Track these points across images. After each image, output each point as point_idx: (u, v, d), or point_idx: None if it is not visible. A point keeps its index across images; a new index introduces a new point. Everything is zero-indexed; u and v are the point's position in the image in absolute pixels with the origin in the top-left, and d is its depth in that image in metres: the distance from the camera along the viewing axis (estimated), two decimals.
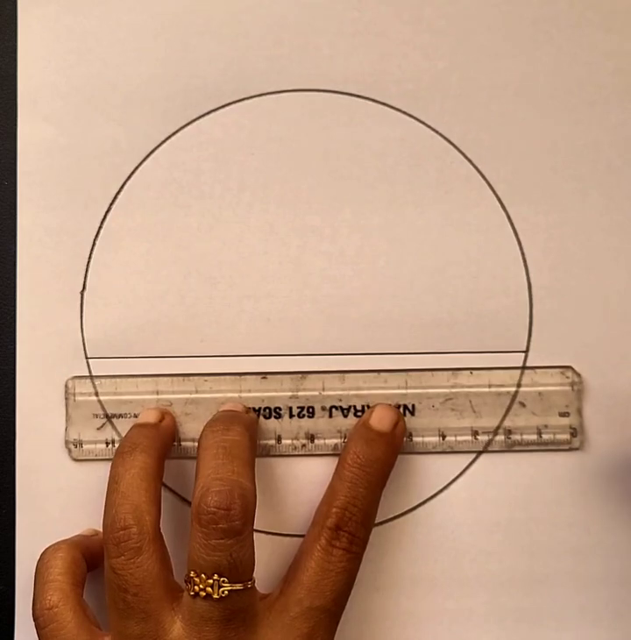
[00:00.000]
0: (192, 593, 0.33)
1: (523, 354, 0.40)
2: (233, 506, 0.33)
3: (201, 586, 0.33)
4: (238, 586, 0.33)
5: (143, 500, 0.35)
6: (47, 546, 0.38)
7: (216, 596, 0.33)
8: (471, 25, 0.41)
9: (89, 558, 0.38)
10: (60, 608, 0.35)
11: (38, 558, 0.38)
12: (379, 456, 0.37)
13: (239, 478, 0.34)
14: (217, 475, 0.34)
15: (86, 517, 0.40)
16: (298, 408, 0.40)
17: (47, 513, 0.40)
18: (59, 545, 0.37)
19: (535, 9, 0.41)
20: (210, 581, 0.33)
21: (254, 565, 0.34)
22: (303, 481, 0.40)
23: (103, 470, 0.40)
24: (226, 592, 0.33)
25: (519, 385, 0.40)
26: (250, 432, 0.37)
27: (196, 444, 0.39)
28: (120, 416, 0.40)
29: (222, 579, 0.33)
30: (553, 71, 0.41)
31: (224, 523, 0.33)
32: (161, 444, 0.38)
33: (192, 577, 0.34)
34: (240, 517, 0.33)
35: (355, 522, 0.36)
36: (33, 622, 0.36)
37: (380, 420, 0.38)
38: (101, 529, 0.38)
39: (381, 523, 0.40)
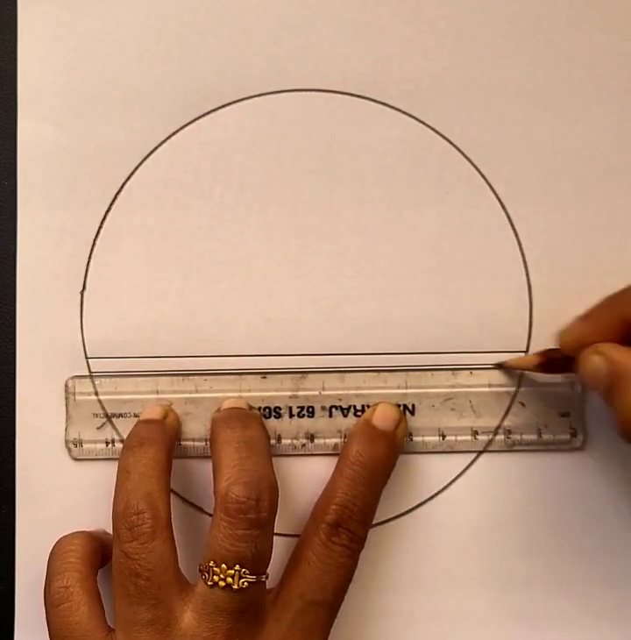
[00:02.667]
0: (210, 583, 0.33)
1: (523, 354, 0.40)
2: (263, 497, 0.33)
3: (221, 576, 0.33)
4: (256, 579, 0.34)
5: (155, 488, 0.35)
6: (64, 535, 0.38)
7: (235, 587, 0.33)
8: (471, 26, 0.41)
9: (102, 554, 0.38)
10: (77, 589, 0.35)
11: (38, 557, 0.39)
12: (380, 455, 0.37)
13: (266, 470, 0.34)
14: (244, 467, 0.34)
15: (86, 517, 0.40)
16: (298, 407, 0.40)
17: (47, 513, 0.40)
18: (76, 534, 0.38)
19: (535, 9, 0.41)
20: (231, 571, 0.33)
21: (270, 559, 0.35)
22: (304, 481, 0.40)
23: (103, 469, 0.40)
24: (246, 583, 0.33)
25: (519, 385, 0.40)
26: (266, 430, 0.38)
27: (196, 443, 0.39)
28: (120, 415, 0.40)
29: (243, 570, 0.33)
30: (553, 71, 0.41)
31: (253, 514, 0.33)
32: (168, 438, 0.38)
33: (211, 566, 0.33)
34: (268, 509, 0.34)
35: (355, 521, 0.36)
36: (44, 600, 0.36)
37: (383, 418, 0.38)
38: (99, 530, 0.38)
39: (381, 523, 0.40)
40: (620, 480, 0.40)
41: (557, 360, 0.37)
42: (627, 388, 0.32)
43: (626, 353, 0.33)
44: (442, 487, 0.40)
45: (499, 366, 0.39)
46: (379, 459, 0.37)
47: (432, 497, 0.40)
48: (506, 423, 0.40)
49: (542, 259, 0.40)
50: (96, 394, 0.40)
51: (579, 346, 0.35)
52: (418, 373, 0.40)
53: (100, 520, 0.39)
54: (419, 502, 0.40)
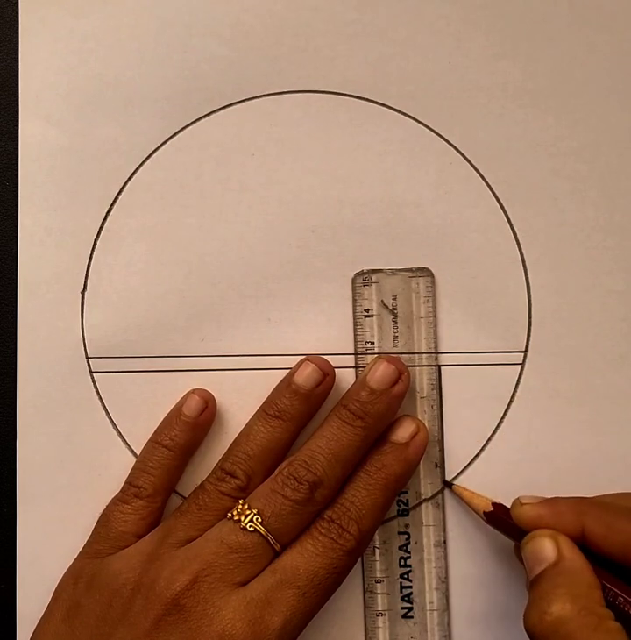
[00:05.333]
0: (229, 515, 0.37)
1: (523, 354, 0.40)
2: (328, 486, 0.36)
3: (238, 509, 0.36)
4: (263, 532, 0.36)
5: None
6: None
7: (243, 525, 0.36)
8: (470, 26, 0.41)
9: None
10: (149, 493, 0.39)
11: (38, 556, 0.39)
12: (390, 464, 0.37)
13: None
14: (338, 457, 0.37)
15: (86, 517, 0.39)
16: None
17: (47, 513, 0.40)
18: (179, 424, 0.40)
19: (535, 9, 0.41)
20: (248, 512, 0.36)
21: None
22: None
23: (103, 469, 0.40)
24: (253, 527, 0.36)
25: (518, 384, 0.40)
26: None
27: None
28: (120, 414, 0.40)
29: (257, 517, 0.36)
30: (553, 71, 0.41)
31: (308, 492, 0.36)
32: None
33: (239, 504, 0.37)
34: (322, 500, 0.36)
35: (349, 518, 0.36)
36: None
37: (399, 430, 0.38)
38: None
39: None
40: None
41: (501, 520, 0.37)
42: (555, 586, 0.33)
43: (578, 555, 0.34)
44: (441, 486, 0.40)
45: (447, 485, 0.40)
46: (388, 468, 0.37)
47: (431, 497, 0.40)
48: (505, 422, 0.40)
49: (541, 259, 0.40)
50: (97, 393, 0.40)
51: (532, 524, 0.35)
52: (418, 371, 0.40)
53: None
54: (417, 502, 0.40)
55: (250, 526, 0.35)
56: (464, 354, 0.40)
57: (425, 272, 0.40)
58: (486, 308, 0.40)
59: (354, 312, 0.40)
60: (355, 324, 0.40)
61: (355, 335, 0.40)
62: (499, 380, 0.40)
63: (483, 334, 0.40)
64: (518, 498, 0.37)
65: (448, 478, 0.40)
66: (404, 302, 0.40)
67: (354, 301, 0.40)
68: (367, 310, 0.40)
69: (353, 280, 0.40)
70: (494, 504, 0.38)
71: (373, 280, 0.40)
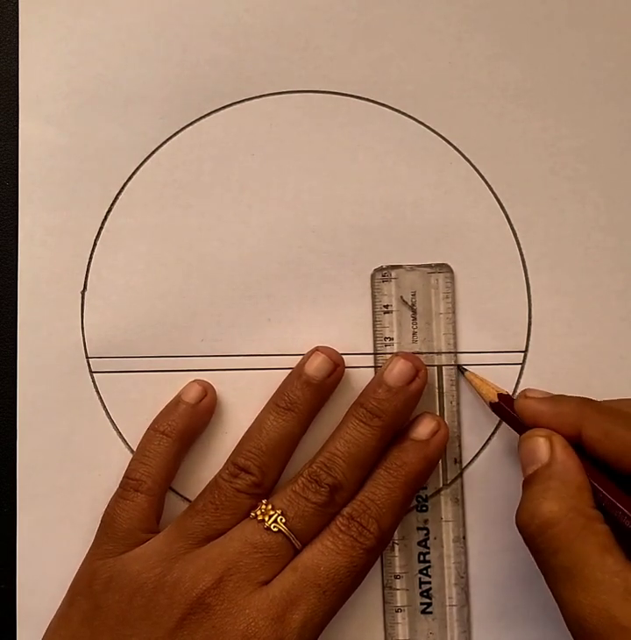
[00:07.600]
0: (252, 515, 0.37)
1: (523, 354, 0.40)
2: (347, 489, 0.37)
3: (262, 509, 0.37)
4: (286, 532, 0.36)
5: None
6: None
7: (267, 525, 0.36)
8: (470, 26, 0.41)
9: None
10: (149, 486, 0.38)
11: (38, 556, 0.39)
12: (411, 462, 0.37)
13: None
14: (358, 462, 0.37)
15: (86, 517, 0.40)
16: None
17: (47, 512, 0.40)
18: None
19: (535, 9, 0.41)
20: (272, 513, 0.36)
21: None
22: None
23: (103, 469, 0.40)
24: (276, 528, 0.36)
25: (518, 384, 0.40)
26: None
27: None
28: (120, 414, 0.40)
29: (281, 518, 0.36)
30: (553, 71, 0.41)
31: (328, 495, 0.36)
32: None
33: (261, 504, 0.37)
34: (341, 502, 0.37)
35: (369, 517, 0.36)
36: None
37: (419, 427, 0.38)
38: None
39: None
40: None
41: (506, 411, 0.37)
42: (545, 489, 0.33)
43: (570, 457, 0.34)
44: (440, 486, 0.40)
45: (460, 370, 0.40)
46: (409, 466, 0.37)
47: (432, 496, 0.40)
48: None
49: (541, 260, 0.40)
50: (97, 393, 0.40)
51: (533, 419, 0.36)
52: None
53: (99, 518, 0.39)
54: (417, 503, 0.40)
55: (274, 527, 0.36)
56: (464, 354, 0.40)
57: (444, 268, 0.40)
58: (486, 308, 0.40)
59: (373, 308, 0.40)
60: (374, 320, 0.40)
61: (374, 331, 0.40)
62: (499, 380, 0.40)
63: (482, 334, 0.40)
64: (525, 390, 0.37)
65: (448, 479, 0.40)
66: (423, 299, 0.40)
67: (373, 296, 0.40)
68: (386, 306, 0.40)
69: (372, 276, 0.40)
70: (500, 395, 0.38)
71: (392, 276, 0.40)
